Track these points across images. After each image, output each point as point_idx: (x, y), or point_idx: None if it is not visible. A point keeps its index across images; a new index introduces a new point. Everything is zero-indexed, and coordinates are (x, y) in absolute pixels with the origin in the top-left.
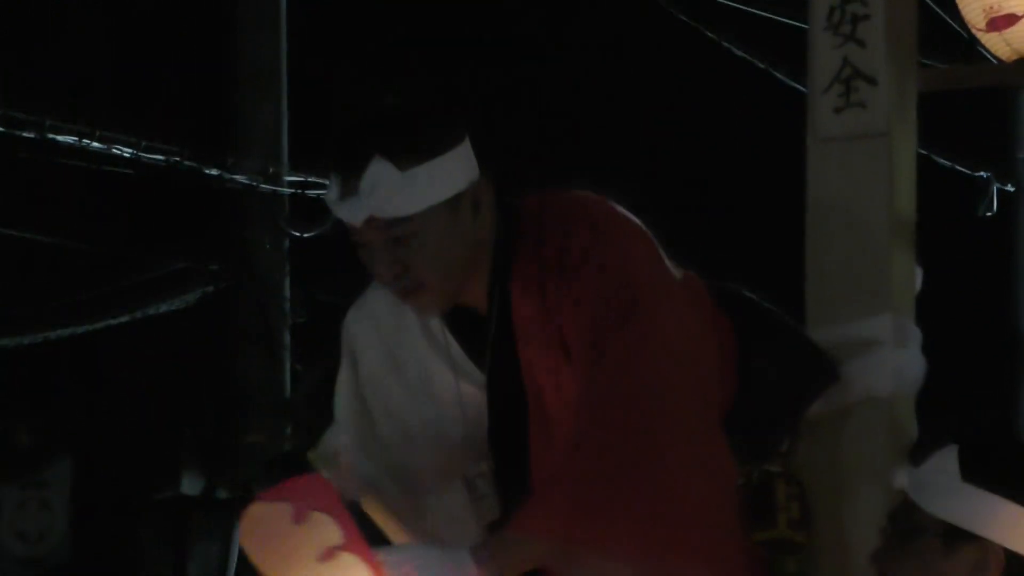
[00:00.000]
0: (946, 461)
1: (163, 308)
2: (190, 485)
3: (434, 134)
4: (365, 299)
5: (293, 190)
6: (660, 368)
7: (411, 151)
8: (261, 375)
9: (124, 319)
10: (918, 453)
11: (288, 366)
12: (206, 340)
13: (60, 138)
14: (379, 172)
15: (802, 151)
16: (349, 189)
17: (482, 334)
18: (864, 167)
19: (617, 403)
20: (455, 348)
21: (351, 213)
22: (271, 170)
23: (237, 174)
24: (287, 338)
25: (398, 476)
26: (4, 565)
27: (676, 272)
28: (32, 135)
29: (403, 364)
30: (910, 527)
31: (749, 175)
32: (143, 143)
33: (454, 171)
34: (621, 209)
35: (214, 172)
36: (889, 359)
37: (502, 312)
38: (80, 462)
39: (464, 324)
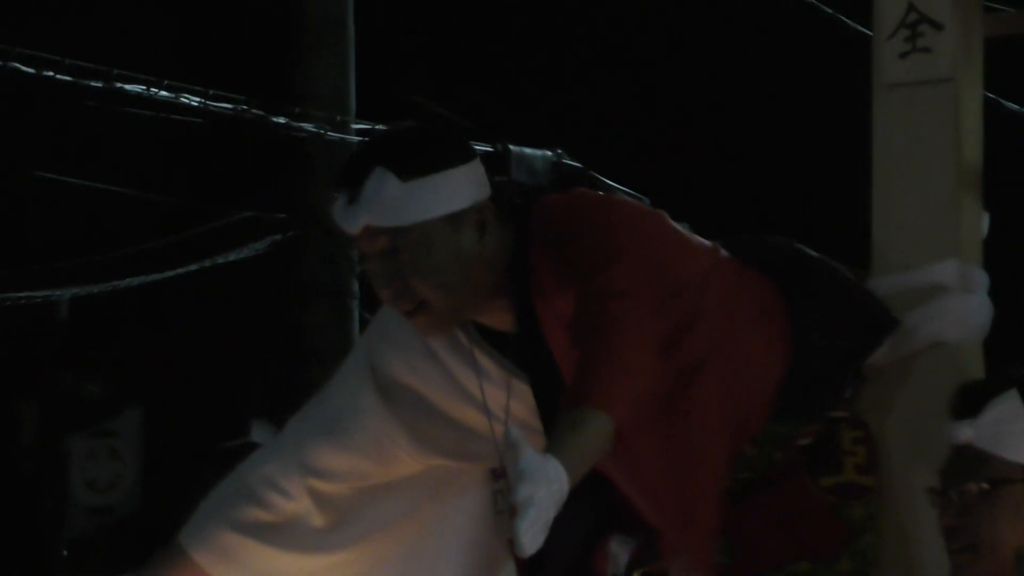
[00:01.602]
0: (1010, 406)
1: (231, 258)
2: (259, 434)
3: (438, 150)
4: (381, 317)
5: (360, 138)
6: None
7: (413, 163)
8: (329, 324)
9: (192, 268)
10: (966, 404)
11: (357, 315)
12: (274, 289)
13: (128, 87)
14: (380, 181)
15: (868, 97)
16: (351, 198)
17: (511, 353)
18: (930, 113)
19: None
20: (484, 361)
21: (350, 220)
22: (338, 119)
23: (304, 123)
24: (356, 287)
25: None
26: (74, 514)
27: (705, 256)
28: (100, 84)
29: (425, 372)
30: (990, 480)
31: (815, 122)
32: (210, 92)
33: (457, 188)
34: (626, 200)
35: (281, 121)
36: (955, 305)
37: (532, 332)
38: (150, 411)
39: (494, 342)
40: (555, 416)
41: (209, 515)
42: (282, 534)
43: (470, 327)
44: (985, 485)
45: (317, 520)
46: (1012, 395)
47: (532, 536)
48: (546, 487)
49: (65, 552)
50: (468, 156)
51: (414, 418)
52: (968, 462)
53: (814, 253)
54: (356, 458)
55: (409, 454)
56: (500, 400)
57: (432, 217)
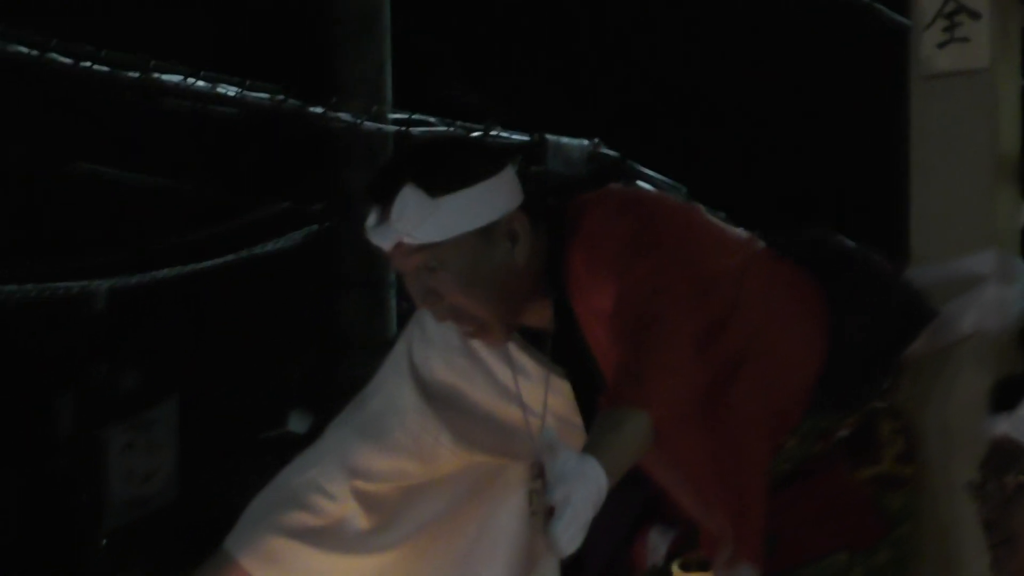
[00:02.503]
0: None
1: (268, 248)
2: (297, 424)
3: (467, 163)
4: (419, 316)
5: (396, 127)
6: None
7: (442, 179)
8: (365, 314)
9: (229, 259)
10: (1004, 397)
11: (393, 305)
12: (310, 280)
13: (165, 78)
14: (409, 198)
15: (906, 87)
16: (382, 216)
17: (549, 351)
18: (967, 103)
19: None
20: (521, 358)
21: (382, 238)
22: (374, 108)
23: (340, 113)
24: (392, 277)
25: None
26: (112, 505)
27: (741, 248)
28: (137, 74)
29: (464, 370)
30: None
31: (852, 112)
32: (247, 82)
33: (488, 201)
34: (658, 195)
35: (317, 111)
36: (994, 295)
37: (571, 332)
38: (187, 402)
39: (532, 340)
40: (595, 412)
41: (255, 521)
42: (329, 537)
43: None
44: (1020, 479)
45: (363, 522)
46: None
47: (569, 538)
48: (583, 488)
49: (104, 542)
50: (498, 167)
51: (455, 415)
52: (1006, 455)
53: (852, 244)
54: (399, 458)
55: (451, 451)
56: (538, 396)
57: (464, 232)
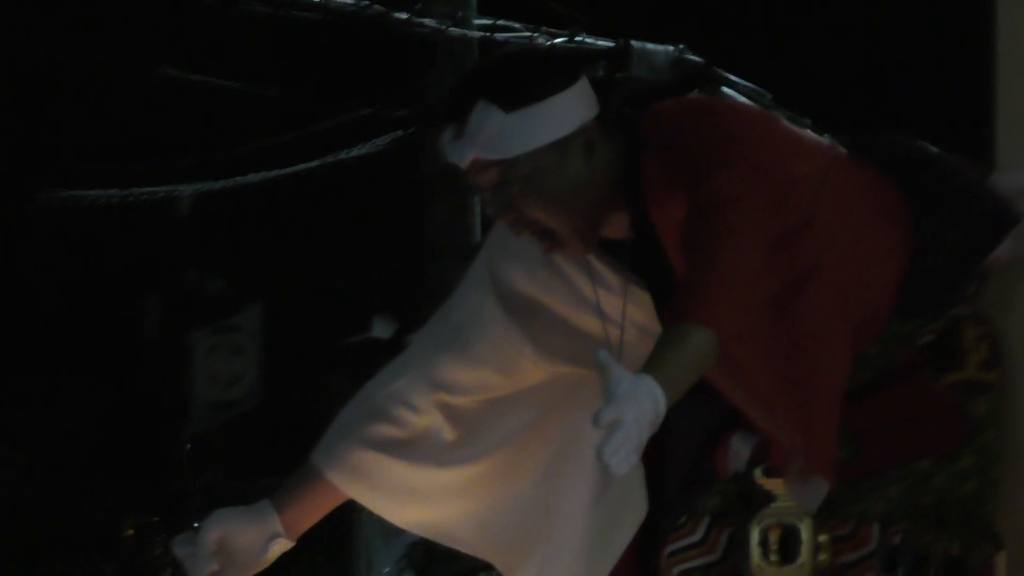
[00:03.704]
0: None
1: (352, 154)
2: (381, 329)
3: (541, 77)
4: (499, 228)
5: (481, 33)
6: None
7: (516, 93)
8: (449, 219)
9: (313, 165)
10: None
11: (477, 210)
12: (395, 185)
13: None
14: (484, 113)
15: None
16: (457, 132)
17: (627, 260)
18: None
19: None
20: (600, 268)
21: (458, 155)
22: (459, 14)
23: (424, 19)
24: None
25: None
26: (197, 409)
27: (821, 155)
28: None
29: (544, 280)
30: None
31: (940, 14)
32: None
33: (562, 114)
34: (737, 103)
35: (402, 17)
36: None
37: (648, 237)
38: (271, 307)
39: (610, 249)
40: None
41: (340, 434)
42: (414, 449)
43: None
44: None
45: (448, 435)
46: None
47: (619, 461)
48: (636, 409)
49: (188, 447)
50: (572, 79)
51: (536, 327)
52: None
53: (934, 149)
54: (482, 370)
55: (533, 362)
56: (618, 307)
57: (538, 146)
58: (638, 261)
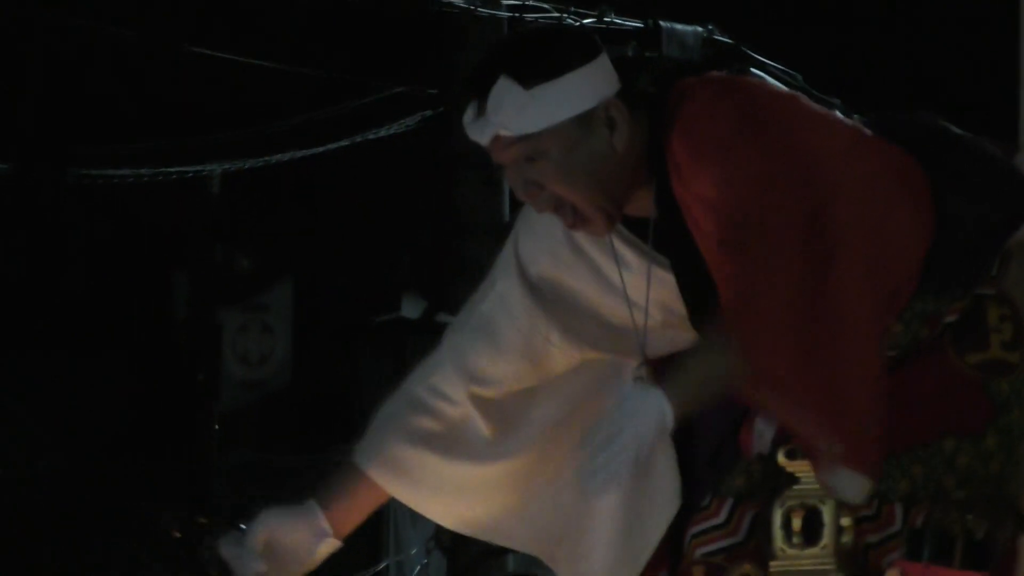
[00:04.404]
0: None
1: (382, 132)
2: (410, 308)
3: (560, 52)
4: (526, 212)
5: (511, 14)
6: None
7: (536, 69)
8: (479, 198)
9: (343, 143)
10: None
11: (507, 189)
12: (425, 164)
13: None
14: (504, 90)
15: None
16: (479, 110)
17: (652, 239)
18: None
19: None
20: (623, 250)
21: (480, 133)
22: None
23: None
24: None
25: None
26: (226, 387)
27: (846, 133)
28: None
29: (570, 264)
30: None
31: (967, 3)
32: None
33: (582, 88)
34: (761, 81)
35: None
36: None
37: (672, 215)
38: (301, 286)
39: (633, 230)
40: (699, 300)
41: (380, 431)
42: (454, 445)
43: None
44: None
45: (484, 429)
46: None
47: (597, 483)
48: (635, 425)
49: (217, 426)
50: (592, 54)
51: (563, 312)
52: None
53: (959, 130)
54: (511, 359)
55: (561, 349)
56: (641, 288)
57: (560, 121)
58: (661, 240)
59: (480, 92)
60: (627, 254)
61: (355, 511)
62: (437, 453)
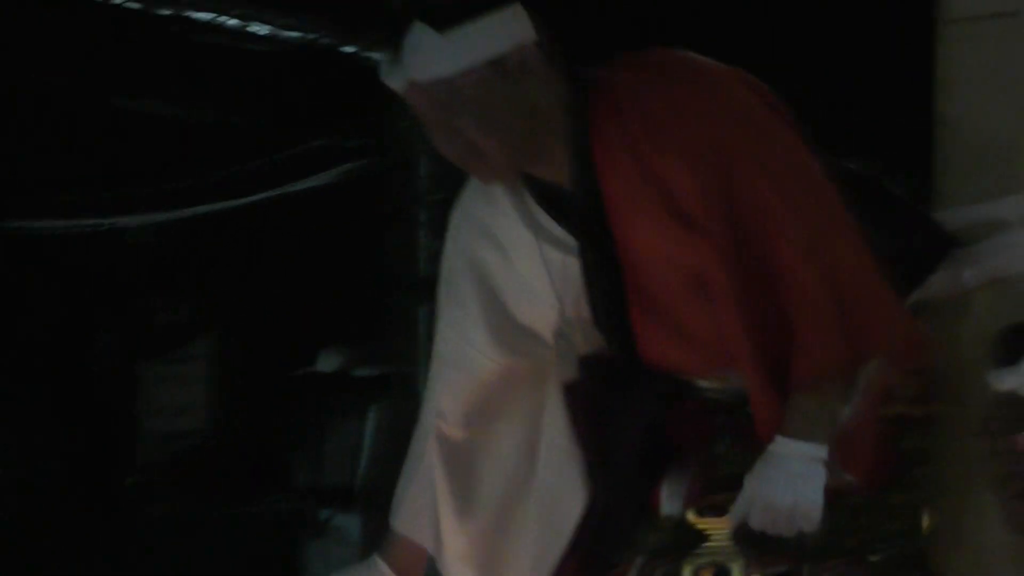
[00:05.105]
0: None
1: (301, 186)
2: (327, 362)
3: None
4: (460, 200)
5: None
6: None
7: (449, 12)
8: (398, 254)
9: (264, 196)
10: (1008, 351)
11: (423, 245)
12: (345, 218)
13: (196, 15)
14: (418, 36)
15: (932, 31)
16: (392, 57)
17: (566, 206)
18: (995, 47)
19: (782, 218)
20: (541, 216)
21: (396, 80)
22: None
23: (374, 51)
24: (423, 216)
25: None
26: (145, 440)
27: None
28: (169, 12)
29: (502, 243)
30: None
31: (878, 56)
32: (279, 20)
33: (496, 32)
34: (707, 60)
35: (350, 50)
36: (1018, 240)
37: (588, 184)
38: (222, 338)
39: (549, 196)
40: (600, 285)
41: (404, 491)
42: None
43: (527, 195)
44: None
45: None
46: None
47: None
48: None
49: (135, 478)
50: (505, 0)
51: (491, 313)
52: (1013, 410)
53: (881, 179)
54: (453, 382)
55: (482, 352)
56: (559, 264)
57: (473, 65)
58: (571, 206)
59: (393, 39)
60: (550, 254)
61: (413, 566)
62: (438, 499)
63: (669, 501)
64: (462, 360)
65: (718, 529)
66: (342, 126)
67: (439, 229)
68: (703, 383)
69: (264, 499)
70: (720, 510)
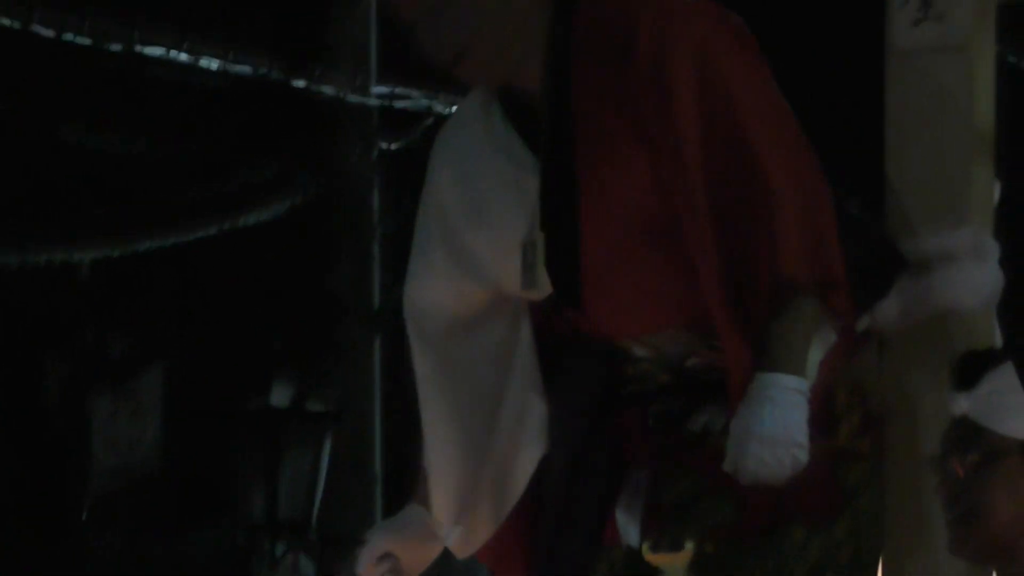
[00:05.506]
0: (1005, 379)
1: (252, 219)
2: (279, 396)
3: None
4: (443, 132)
5: (381, 101)
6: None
7: None
8: (350, 286)
9: (212, 230)
10: (964, 376)
11: (377, 277)
12: (296, 250)
13: (147, 50)
14: None
15: (880, 64)
16: None
17: (536, 118)
18: (942, 80)
19: (761, 143)
20: (513, 134)
21: None
22: (358, 81)
23: (324, 85)
24: (376, 249)
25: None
26: (96, 474)
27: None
28: (119, 47)
29: (471, 171)
30: (986, 452)
31: (826, 86)
32: (230, 54)
33: None
34: None
35: (301, 84)
36: (966, 274)
37: (559, 97)
38: (172, 372)
39: (520, 107)
40: (555, 215)
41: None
42: None
43: (497, 108)
44: (978, 457)
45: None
46: (1007, 368)
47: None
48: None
49: (86, 513)
50: None
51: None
52: (965, 434)
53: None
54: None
55: (440, 276)
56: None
57: None
58: (541, 122)
59: None
60: (514, 143)
61: None
62: None
63: (623, 534)
64: (429, 307)
65: (671, 563)
66: (293, 159)
67: (392, 261)
68: (639, 351)
69: (217, 532)
70: (675, 544)
